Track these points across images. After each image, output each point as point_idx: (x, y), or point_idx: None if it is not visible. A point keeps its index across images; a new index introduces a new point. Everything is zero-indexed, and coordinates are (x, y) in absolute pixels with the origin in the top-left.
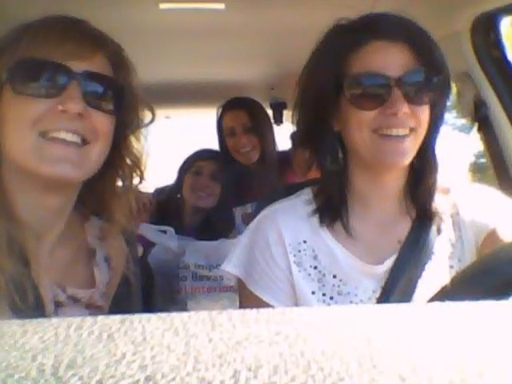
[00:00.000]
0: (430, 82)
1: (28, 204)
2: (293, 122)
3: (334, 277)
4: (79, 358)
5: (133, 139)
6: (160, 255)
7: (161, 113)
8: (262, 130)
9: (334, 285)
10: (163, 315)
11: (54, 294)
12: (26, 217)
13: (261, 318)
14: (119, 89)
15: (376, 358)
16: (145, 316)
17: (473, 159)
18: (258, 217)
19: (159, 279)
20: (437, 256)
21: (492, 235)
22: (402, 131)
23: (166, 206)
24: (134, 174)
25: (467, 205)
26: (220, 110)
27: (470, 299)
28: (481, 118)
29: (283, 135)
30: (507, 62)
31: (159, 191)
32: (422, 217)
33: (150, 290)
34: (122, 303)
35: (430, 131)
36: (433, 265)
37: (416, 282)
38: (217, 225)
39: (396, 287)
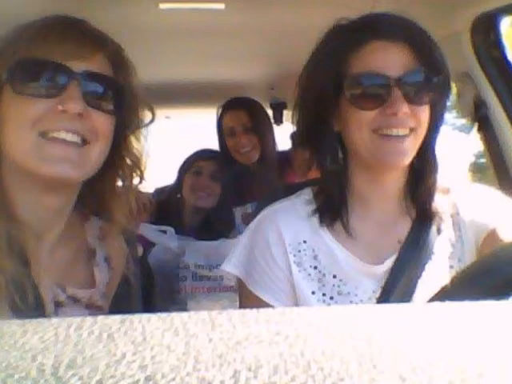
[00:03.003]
0: (429, 81)
1: (28, 204)
2: (293, 122)
3: (334, 277)
4: (79, 358)
5: (133, 139)
6: (160, 255)
7: (161, 113)
8: (262, 130)
9: (334, 285)
10: (163, 315)
11: (54, 294)
12: (26, 217)
13: (261, 317)
14: (119, 89)
15: (376, 358)
16: (145, 316)
17: (473, 159)
18: (258, 217)
19: (159, 279)
20: (437, 256)
21: (492, 235)
22: (401, 131)
23: (166, 206)
24: (134, 174)
25: (467, 205)
26: (220, 110)
27: (470, 299)
28: (481, 118)
29: (283, 135)
30: (507, 61)
31: (159, 191)
32: (422, 217)
33: (150, 289)
34: (122, 303)
35: (430, 131)
36: (433, 265)
37: (416, 282)
38: (217, 225)
39: (396, 287)
